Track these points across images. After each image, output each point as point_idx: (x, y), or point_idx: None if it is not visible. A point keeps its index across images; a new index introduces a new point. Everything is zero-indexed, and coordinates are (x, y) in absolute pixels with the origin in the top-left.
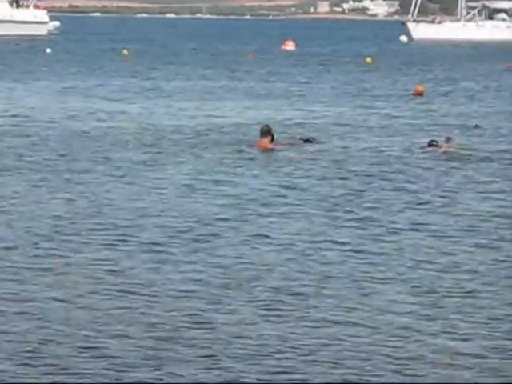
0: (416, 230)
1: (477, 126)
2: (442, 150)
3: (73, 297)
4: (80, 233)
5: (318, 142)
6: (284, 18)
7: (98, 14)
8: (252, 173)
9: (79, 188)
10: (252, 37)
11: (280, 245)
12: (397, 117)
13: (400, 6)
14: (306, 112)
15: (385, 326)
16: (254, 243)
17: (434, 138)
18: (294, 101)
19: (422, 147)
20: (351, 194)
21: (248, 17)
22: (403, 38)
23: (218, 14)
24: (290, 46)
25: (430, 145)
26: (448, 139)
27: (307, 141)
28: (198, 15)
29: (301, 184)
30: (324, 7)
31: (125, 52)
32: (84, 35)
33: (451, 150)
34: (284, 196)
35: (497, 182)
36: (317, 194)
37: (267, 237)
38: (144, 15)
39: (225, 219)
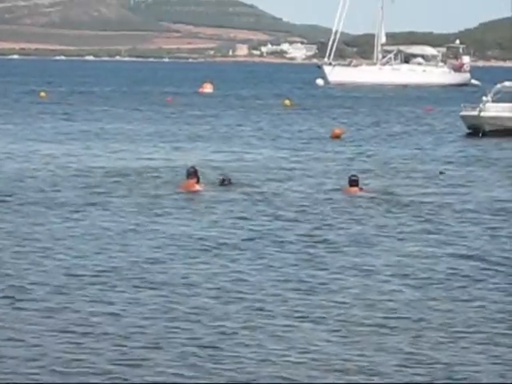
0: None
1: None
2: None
3: None
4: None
5: (240, 184)
6: (203, 60)
7: (16, 57)
8: (178, 215)
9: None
10: (170, 79)
11: (206, 287)
12: (316, 159)
13: (318, 49)
14: (229, 154)
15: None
16: (180, 286)
17: (355, 173)
18: (218, 143)
19: (340, 188)
20: (270, 235)
21: (166, 59)
22: (319, 81)
23: (137, 57)
24: (207, 88)
25: (351, 183)
26: (354, 183)
27: (229, 182)
28: (117, 57)
29: (225, 224)
30: (243, 50)
31: (42, 94)
32: (1, 77)
33: (363, 192)
34: (205, 238)
35: (413, 224)
36: (237, 235)
37: (192, 279)
38: (62, 57)
39: (154, 260)
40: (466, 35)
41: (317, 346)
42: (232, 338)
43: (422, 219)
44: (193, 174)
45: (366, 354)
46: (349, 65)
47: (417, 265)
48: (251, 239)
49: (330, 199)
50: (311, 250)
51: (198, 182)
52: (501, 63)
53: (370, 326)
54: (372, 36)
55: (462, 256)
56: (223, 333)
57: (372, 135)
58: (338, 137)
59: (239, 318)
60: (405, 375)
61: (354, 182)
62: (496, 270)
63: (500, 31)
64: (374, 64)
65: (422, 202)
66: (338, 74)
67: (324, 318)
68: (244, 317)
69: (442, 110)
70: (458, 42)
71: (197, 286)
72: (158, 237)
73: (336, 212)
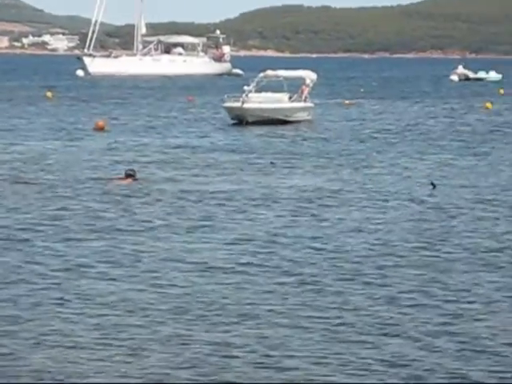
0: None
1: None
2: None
3: None
4: None
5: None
6: None
7: None
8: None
9: None
10: None
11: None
12: (80, 150)
13: (80, 40)
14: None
15: None
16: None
17: (132, 168)
18: None
19: (113, 178)
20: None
21: None
22: (80, 73)
23: None
24: None
25: (127, 175)
26: (129, 175)
27: None
28: None
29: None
30: (3, 42)
31: None
32: None
33: (131, 182)
34: None
35: (178, 212)
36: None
37: None
38: None
39: None
40: (227, 25)
41: None
42: None
43: (189, 207)
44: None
45: None
46: (109, 56)
47: (186, 254)
48: None
49: (99, 189)
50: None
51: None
52: (262, 52)
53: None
54: (133, 27)
55: (229, 242)
56: None
57: (135, 126)
58: (101, 128)
59: None
60: None
61: (128, 173)
62: (261, 253)
63: (260, 21)
64: (135, 55)
65: (195, 191)
66: (98, 65)
67: None
68: None
69: (204, 99)
70: (218, 31)
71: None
72: None
73: (104, 202)
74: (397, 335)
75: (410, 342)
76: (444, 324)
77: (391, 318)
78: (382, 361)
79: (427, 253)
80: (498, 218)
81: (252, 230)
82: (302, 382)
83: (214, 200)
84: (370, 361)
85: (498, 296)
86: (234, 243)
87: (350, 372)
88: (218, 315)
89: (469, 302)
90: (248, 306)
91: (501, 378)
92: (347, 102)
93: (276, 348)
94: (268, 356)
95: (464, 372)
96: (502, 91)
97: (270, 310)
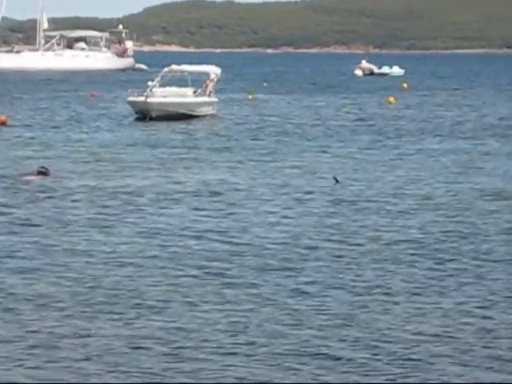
0: None
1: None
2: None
3: None
4: None
5: None
6: None
7: None
8: None
9: None
10: None
11: None
12: None
13: None
14: None
15: None
16: None
17: (44, 166)
18: None
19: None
20: None
21: None
22: None
23: None
24: None
25: (38, 172)
26: (41, 172)
27: None
28: None
29: None
30: None
31: None
32: None
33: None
34: None
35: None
36: None
37: None
38: None
39: None
40: (131, 20)
41: None
42: None
43: (98, 202)
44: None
45: None
46: (11, 51)
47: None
48: None
49: (8, 185)
50: None
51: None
52: (166, 47)
53: None
54: (36, 21)
55: (136, 236)
56: None
57: (39, 121)
58: (3, 123)
59: None
60: None
61: (39, 170)
62: (168, 246)
63: (164, 16)
64: (37, 50)
65: (103, 186)
66: (0, 60)
67: None
68: None
69: (108, 95)
70: (120, 26)
71: None
72: None
73: (14, 198)
74: (304, 326)
75: (316, 332)
76: (349, 315)
77: (297, 310)
78: (290, 350)
79: (333, 246)
80: (402, 211)
81: (159, 224)
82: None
83: (120, 195)
84: (278, 350)
85: (403, 287)
86: (141, 237)
87: (258, 363)
88: (125, 307)
89: (373, 294)
90: (155, 298)
91: (401, 365)
92: (251, 96)
93: (183, 339)
94: (177, 348)
95: (366, 361)
96: (405, 85)
97: (178, 302)
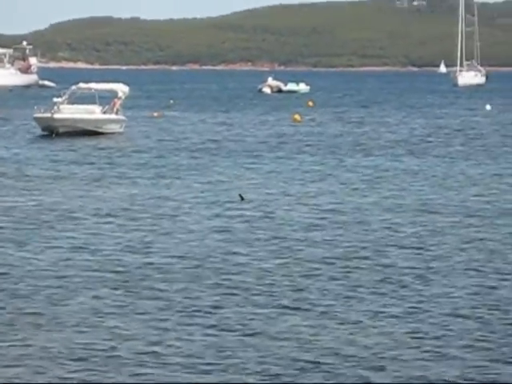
0: None
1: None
2: None
3: None
4: None
5: None
6: None
7: None
8: None
9: None
10: None
11: None
12: None
13: None
14: None
15: None
16: None
17: None
18: None
19: None
20: None
21: None
22: None
23: None
24: None
25: None
26: None
27: None
28: None
29: None
30: None
31: None
32: None
33: None
34: None
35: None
36: None
37: None
38: None
39: None
40: (36, 36)
41: None
42: None
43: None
44: None
45: None
46: None
47: None
48: None
49: None
50: None
51: None
52: (71, 64)
53: None
54: None
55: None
56: None
57: None
58: None
59: None
60: None
61: None
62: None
63: (70, 32)
64: None
65: (5, 205)
66: None
67: None
68: None
69: (13, 111)
70: (24, 43)
71: None
72: None
73: None
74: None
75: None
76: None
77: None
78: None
79: (232, 261)
80: (303, 226)
81: (60, 242)
82: None
83: (23, 213)
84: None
85: (314, 298)
86: (58, 252)
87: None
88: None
89: (286, 306)
90: (64, 314)
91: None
92: (156, 114)
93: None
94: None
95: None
96: (310, 103)
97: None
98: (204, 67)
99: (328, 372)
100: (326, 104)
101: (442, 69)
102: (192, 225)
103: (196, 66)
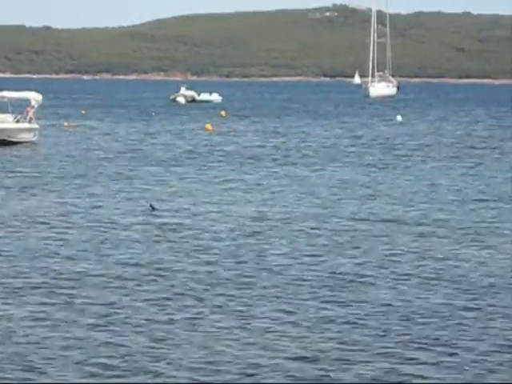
0: None
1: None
2: None
3: None
4: None
5: None
6: None
7: None
8: None
9: None
10: None
11: None
12: None
13: None
14: None
15: None
16: None
17: None
18: None
19: None
20: None
21: None
22: None
23: None
24: None
25: None
26: None
27: None
28: None
29: None
30: None
31: None
32: None
33: None
34: None
35: None
36: None
37: None
38: None
39: None
40: None
41: None
42: None
43: None
44: None
45: None
46: None
47: None
48: None
49: None
50: None
51: None
52: None
53: None
54: None
55: None
56: None
57: None
58: None
59: None
60: None
61: None
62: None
63: None
64: None
65: None
66: None
67: None
68: None
69: None
70: None
71: None
72: None
73: None
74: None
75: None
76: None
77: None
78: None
79: (146, 271)
80: (208, 237)
81: None
82: None
83: None
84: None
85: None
86: None
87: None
88: None
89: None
90: None
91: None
92: (66, 123)
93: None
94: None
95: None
96: (223, 113)
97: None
98: (116, 77)
99: None
100: (238, 114)
101: (357, 79)
102: (102, 234)
103: (108, 76)
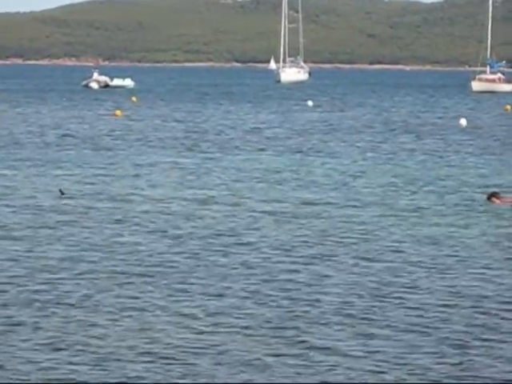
0: None
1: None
2: None
3: None
4: None
5: None
6: None
7: None
8: None
9: None
10: None
11: None
12: None
13: None
14: None
15: None
16: None
17: None
18: None
19: None
20: None
21: None
22: None
23: None
24: None
25: None
26: None
27: None
28: None
29: None
30: None
31: None
32: None
33: None
34: None
35: None
36: None
37: None
38: None
39: None
40: None
41: None
42: None
43: None
44: None
45: None
46: None
47: None
48: None
49: None
50: None
51: None
52: None
53: None
54: None
55: None
56: None
57: None
58: None
59: None
60: None
61: None
62: None
63: None
64: None
65: None
66: None
67: None
68: None
69: None
70: None
71: None
72: None
73: None
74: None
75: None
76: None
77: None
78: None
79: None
80: (111, 220)
81: None
82: None
83: None
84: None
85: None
86: None
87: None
88: None
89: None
90: None
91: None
92: None
93: None
94: None
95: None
96: (134, 99)
97: None
98: (28, 62)
99: None
100: (149, 99)
101: (272, 65)
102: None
103: (19, 61)
